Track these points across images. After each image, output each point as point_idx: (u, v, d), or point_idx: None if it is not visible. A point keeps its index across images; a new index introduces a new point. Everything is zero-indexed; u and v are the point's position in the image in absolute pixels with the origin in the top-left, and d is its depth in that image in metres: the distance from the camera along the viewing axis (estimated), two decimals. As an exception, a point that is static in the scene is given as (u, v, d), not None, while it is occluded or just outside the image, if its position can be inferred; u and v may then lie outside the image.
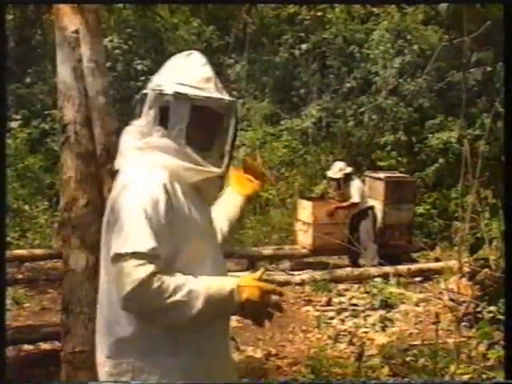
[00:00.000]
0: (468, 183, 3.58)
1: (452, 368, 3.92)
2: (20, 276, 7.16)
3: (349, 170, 8.06)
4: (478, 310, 4.54)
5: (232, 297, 1.86)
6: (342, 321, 5.85)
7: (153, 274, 1.76)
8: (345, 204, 7.94)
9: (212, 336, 1.95)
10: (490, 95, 10.70)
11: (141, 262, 1.76)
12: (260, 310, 1.90)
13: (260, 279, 1.91)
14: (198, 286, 1.84)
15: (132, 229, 1.80)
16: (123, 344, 1.89)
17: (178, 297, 1.79)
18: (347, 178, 7.96)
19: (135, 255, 1.76)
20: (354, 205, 7.90)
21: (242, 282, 1.89)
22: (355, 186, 7.96)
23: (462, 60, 10.58)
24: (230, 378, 2.06)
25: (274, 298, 1.93)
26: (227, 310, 1.91)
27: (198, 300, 1.82)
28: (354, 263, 7.80)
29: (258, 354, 4.97)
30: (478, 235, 4.03)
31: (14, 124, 10.52)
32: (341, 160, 8.79)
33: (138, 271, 1.75)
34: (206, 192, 2.02)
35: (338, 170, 8.04)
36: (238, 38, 13.42)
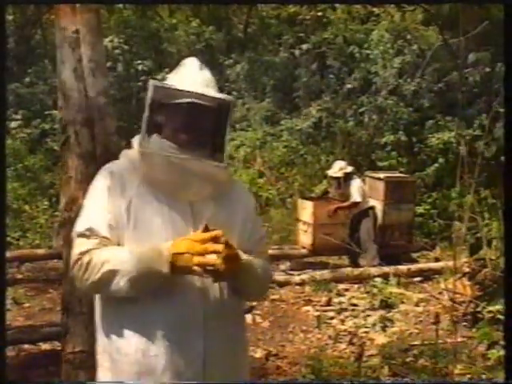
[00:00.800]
0: (466, 183, 3.58)
1: (452, 368, 3.92)
2: (20, 276, 7.16)
3: (349, 169, 8.03)
4: (478, 309, 4.54)
5: (162, 254, 1.78)
6: (342, 321, 5.85)
7: (85, 251, 1.83)
8: (345, 204, 7.93)
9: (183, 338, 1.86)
10: (489, 96, 10.71)
11: (79, 241, 1.88)
12: (192, 262, 1.75)
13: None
14: (130, 251, 1.83)
15: (80, 213, 1.96)
16: (98, 325, 1.96)
17: (108, 266, 1.80)
18: (348, 177, 7.94)
19: (77, 236, 1.89)
20: (355, 204, 7.88)
21: (177, 239, 1.81)
22: (356, 185, 7.93)
23: (457, 60, 10.61)
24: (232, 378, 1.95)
25: (215, 246, 1.76)
26: (158, 271, 1.78)
27: (128, 263, 1.79)
28: (354, 263, 7.79)
29: (258, 354, 4.96)
30: (478, 235, 4.03)
31: (13, 124, 10.54)
32: (341, 159, 8.78)
33: (75, 251, 1.87)
34: (171, 189, 1.93)
35: (338, 169, 8.03)
36: (238, 38, 13.43)
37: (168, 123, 1.96)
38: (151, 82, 1.91)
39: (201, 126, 1.95)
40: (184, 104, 1.92)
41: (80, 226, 1.90)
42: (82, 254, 1.84)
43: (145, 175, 1.92)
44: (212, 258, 1.76)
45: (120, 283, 1.80)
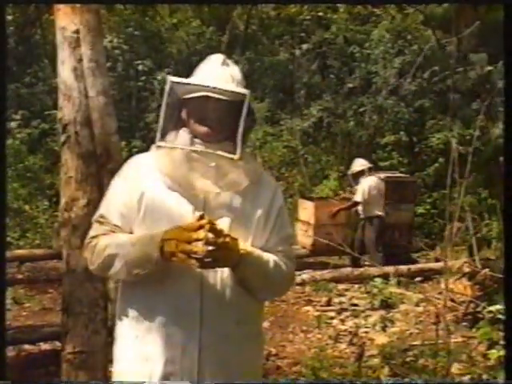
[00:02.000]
0: (457, 183, 3.56)
1: (452, 368, 3.92)
2: (20, 276, 7.16)
3: (357, 169, 7.88)
4: (478, 309, 4.54)
5: (154, 239, 1.84)
6: (342, 321, 5.85)
7: (94, 236, 1.96)
8: (346, 205, 7.89)
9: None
10: (489, 95, 10.71)
11: (93, 226, 1.99)
12: (177, 249, 1.79)
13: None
14: (129, 236, 1.91)
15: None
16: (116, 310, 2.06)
17: (108, 251, 1.90)
18: (358, 175, 7.85)
19: (93, 221, 2.01)
20: (356, 204, 7.82)
21: (172, 227, 1.84)
22: (361, 184, 7.76)
23: (452, 61, 10.59)
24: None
25: (206, 233, 1.77)
26: (149, 255, 1.84)
27: (125, 247, 1.88)
28: (355, 264, 7.76)
29: (259, 354, 4.95)
30: (478, 235, 4.03)
31: (13, 124, 10.54)
32: (362, 158, 8.39)
33: (88, 235, 2.00)
34: (185, 181, 1.93)
35: (352, 167, 7.99)
36: (238, 38, 13.43)
37: (184, 118, 1.99)
38: (168, 79, 1.94)
39: (216, 119, 1.95)
40: (197, 98, 1.92)
41: (97, 212, 2.02)
42: (92, 238, 1.96)
43: (160, 168, 1.94)
44: (195, 246, 1.79)
45: (117, 266, 1.89)
